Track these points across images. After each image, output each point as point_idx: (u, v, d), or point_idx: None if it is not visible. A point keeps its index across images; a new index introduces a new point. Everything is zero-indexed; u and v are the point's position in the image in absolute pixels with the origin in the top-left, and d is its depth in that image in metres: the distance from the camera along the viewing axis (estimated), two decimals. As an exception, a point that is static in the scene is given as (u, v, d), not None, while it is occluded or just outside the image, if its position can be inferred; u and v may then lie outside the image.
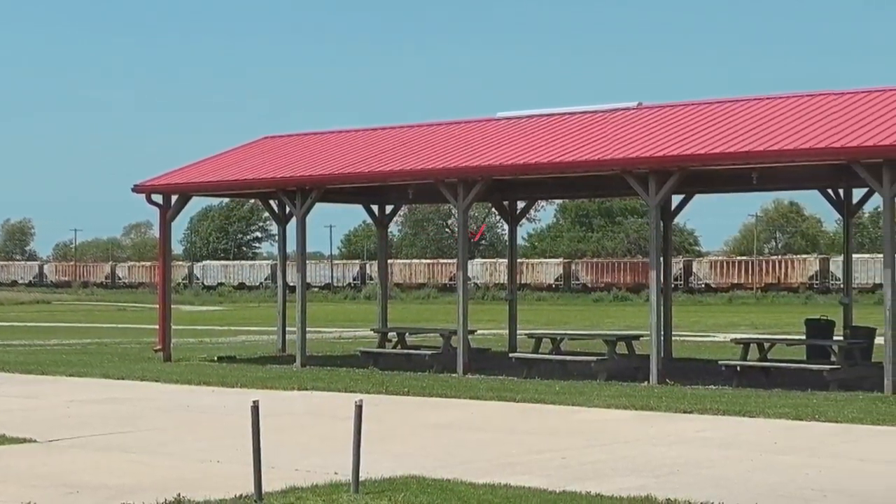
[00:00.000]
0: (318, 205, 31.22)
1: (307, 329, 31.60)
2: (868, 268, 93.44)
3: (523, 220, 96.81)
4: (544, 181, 31.56)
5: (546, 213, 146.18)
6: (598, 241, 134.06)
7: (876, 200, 27.84)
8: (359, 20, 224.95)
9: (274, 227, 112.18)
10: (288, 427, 19.14)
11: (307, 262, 34.77)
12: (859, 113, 25.29)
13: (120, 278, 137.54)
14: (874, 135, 23.52)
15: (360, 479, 13.15)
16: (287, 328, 34.68)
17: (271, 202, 35.13)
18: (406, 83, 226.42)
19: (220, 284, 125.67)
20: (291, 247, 33.65)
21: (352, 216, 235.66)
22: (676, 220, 36.43)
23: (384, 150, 31.15)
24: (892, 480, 14.07)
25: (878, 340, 26.27)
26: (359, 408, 13.28)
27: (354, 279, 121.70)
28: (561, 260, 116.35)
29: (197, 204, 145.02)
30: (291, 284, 38.12)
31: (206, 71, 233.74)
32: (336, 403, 22.13)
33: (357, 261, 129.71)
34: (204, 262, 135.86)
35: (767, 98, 28.39)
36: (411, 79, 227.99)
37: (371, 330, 37.56)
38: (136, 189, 32.80)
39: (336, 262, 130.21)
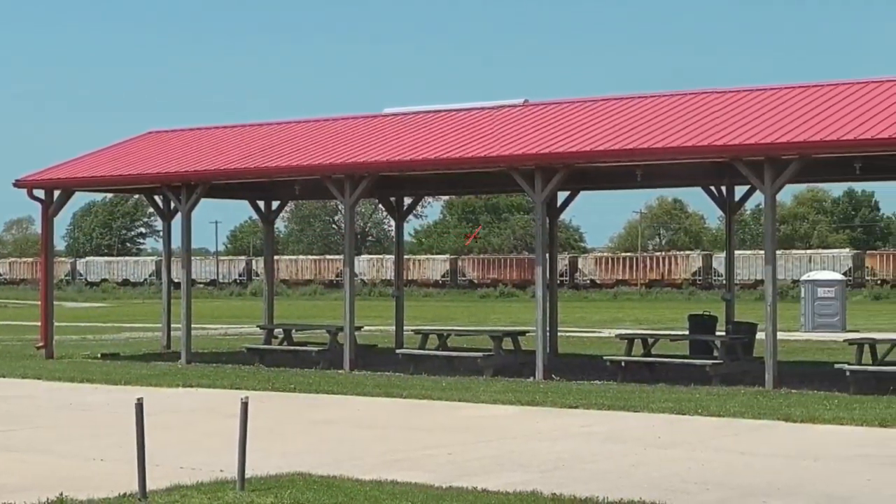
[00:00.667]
0: (203, 200, 30.98)
1: (192, 326, 31.36)
2: (750, 264, 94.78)
3: (410, 217, 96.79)
4: (431, 177, 31.61)
5: (433, 209, 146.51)
6: (485, 237, 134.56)
7: (758, 198, 28.24)
8: (245, 17, 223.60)
9: (159, 223, 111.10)
10: (173, 425, 18.98)
11: (192, 258, 34.51)
12: (742, 111, 25.64)
13: (1, 274, 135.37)
14: (756, 133, 23.86)
15: (246, 477, 13.08)
16: (172, 325, 34.38)
17: (156, 197, 34.79)
18: (292, 79, 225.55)
19: (104, 281, 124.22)
20: (176, 243, 33.35)
21: (238, 212, 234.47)
22: (562, 216, 36.71)
23: (270, 145, 30.98)
24: (772, 473, 14.29)
25: (760, 335, 26.67)
26: (244, 405, 13.20)
27: (240, 275, 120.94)
28: (447, 256, 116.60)
29: (80, 199, 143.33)
30: (176, 281, 37.80)
31: (90, 65, 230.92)
32: (222, 401, 21.98)
33: (243, 257, 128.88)
34: (87, 258, 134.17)
35: (652, 96, 28.67)
36: (298, 75, 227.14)
37: (257, 327, 37.38)
38: (18, 184, 32.31)
39: (222, 258, 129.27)
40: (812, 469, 14.66)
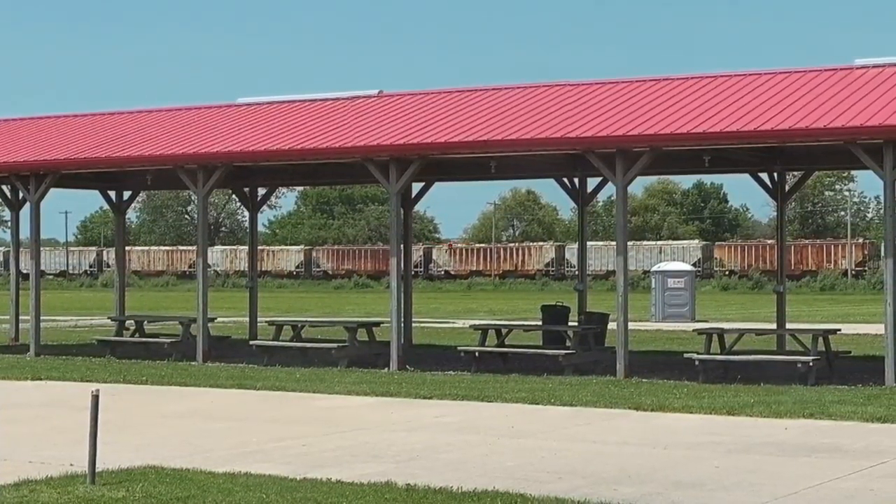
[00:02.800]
0: (53, 190, 30.46)
1: (41, 317, 30.84)
2: (602, 255, 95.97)
3: (264, 207, 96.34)
4: (285, 168, 31.46)
5: (287, 199, 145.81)
6: (339, 228, 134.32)
7: (609, 189, 28.60)
8: (96, 4, 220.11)
9: (6, 213, 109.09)
10: (22, 418, 18.67)
11: (42, 248, 33.92)
12: (594, 104, 25.93)
13: None
14: (608, 125, 24.14)
15: (98, 471, 12.91)
16: (21, 317, 33.75)
17: (3, 187, 34.07)
18: (145, 68, 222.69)
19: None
20: (25, 233, 32.75)
21: (88, 202, 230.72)
22: (417, 207, 36.77)
23: (122, 134, 30.57)
24: (623, 461, 14.48)
25: (611, 325, 27.00)
26: (95, 397, 13.03)
27: (91, 266, 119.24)
28: (302, 247, 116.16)
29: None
30: (25, 272, 37.13)
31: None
32: (72, 393, 21.65)
33: (94, 248, 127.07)
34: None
35: (507, 88, 28.85)
36: (150, 64, 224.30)
37: (108, 318, 36.88)
38: None
39: (72, 248, 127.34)
40: (662, 456, 14.89)
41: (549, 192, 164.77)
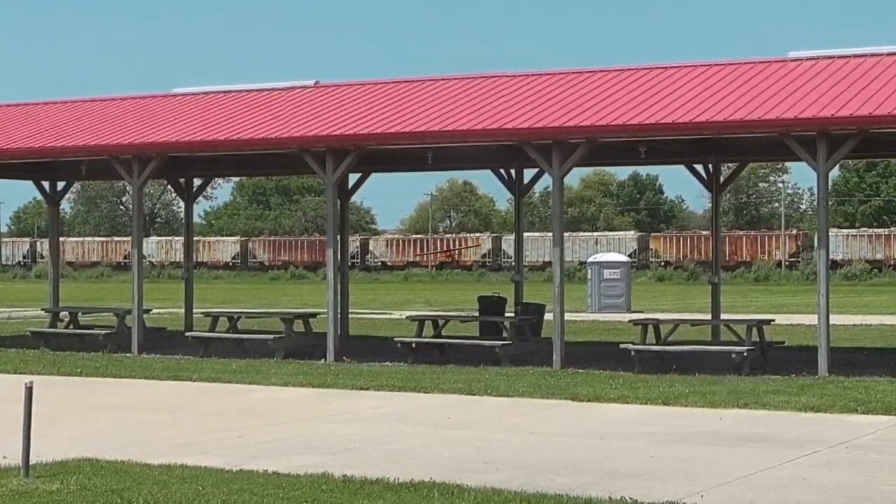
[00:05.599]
0: (-15, 181, 30.19)
1: (-26, 309, 30.54)
2: (538, 246, 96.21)
3: (200, 198, 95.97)
4: (221, 158, 31.30)
5: (223, 190, 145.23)
6: (276, 219, 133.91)
7: (546, 181, 28.70)
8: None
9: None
10: (-46, 411, 18.48)
11: (-26, 239, 33.57)
12: (531, 95, 25.99)
13: None
14: (544, 117, 24.21)
15: (32, 463, 12.81)
16: (-48, 308, 33.41)
17: (-65, 178, 33.74)
18: (80, 58, 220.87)
19: None
20: (-43, 224, 32.39)
21: (22, 192, 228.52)
22: (353, 198, 36.70)
23: (56, 124, 30.32)
24: (560, 452, 14.54)
25: (548, 316, 27.08)
26: (29, 389, 12.92)
27: (25, 257, 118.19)
28: (238, 238, 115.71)
29: None
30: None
31: None
32: (5, 386, 21.46)
33: (27, 238, 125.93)
34: None
35: (443, 79, 28.86)
36: (85, 53, 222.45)
37: (42, 310, 36.57)
38: None
39: (5, 239, 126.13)
40: (598, 447, 14.96)
41: (486, 183, 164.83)
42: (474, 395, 20.07)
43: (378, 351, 27.01)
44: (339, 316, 26.84)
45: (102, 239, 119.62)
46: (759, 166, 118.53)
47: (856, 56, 25.43)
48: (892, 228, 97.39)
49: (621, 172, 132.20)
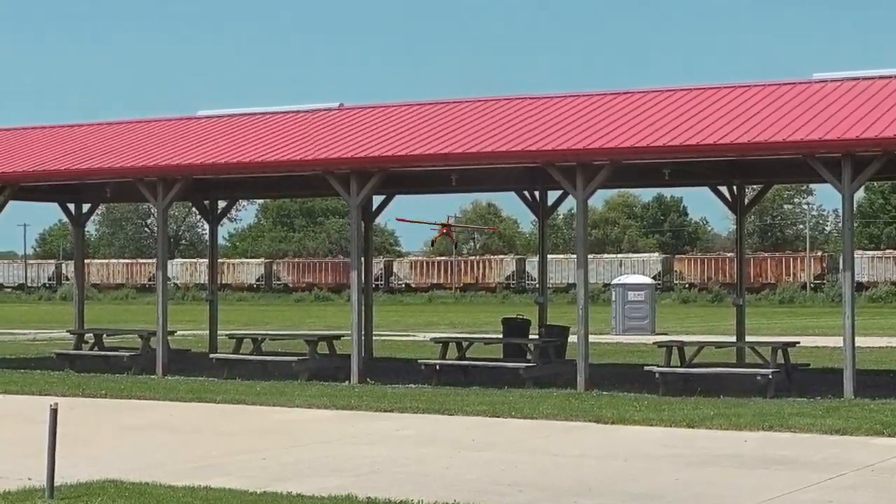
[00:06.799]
0: (11, 202, 30.30)
1: (-1, 331, 30.66)
2: (562, 268, 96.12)
3: (224, 220, 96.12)
4: (245, 180, 31.39)
5: (247, 212, 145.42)
6: (300, 241, 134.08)
7: (570, 202, 28.67)
8: (56, 16, 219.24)
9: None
10: (-21, 432, 18.53)
11: (0, 261, 33.66)
12: (554, 117, 25.99)
13: None
14: (568, 138, 24.21)
15: (56, 485, 12.83)
16: (-22, 330, 33.53)
17: (-39, 200, 33.86)
18: (105, 81, 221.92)
19: None
20: (-17, 246, 32.52)
21: (47, 214, 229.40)
22: (377, 220, 36.75)
23: (82, 147, 30.44)
24: (581, 473, 14.51)
25: (572, 338, 27.03)
26: (54, 411, 12.95)
27: (50, 279, 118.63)
28: (262, 260, 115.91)
29: None
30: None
31: None
32: (30, 407, 21.51)
33: (52, 260, 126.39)
34: None
35: (467, 101, 28.89)
36: (111, 76, 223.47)
37: (67, 331, 36.68)
38: None
39: (30, 261, 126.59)
40: (622, 469, 14.92)
41: (510, 204, 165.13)
42: (498, 416, 20.04)
43: (402, 373, 26.99)
44: (363, 338, 26.85)
45: (127, 261, 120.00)
46: (783, 188, 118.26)
47: (881, 77, 25.38)
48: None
49: (645, 194, 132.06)
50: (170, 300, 32.29)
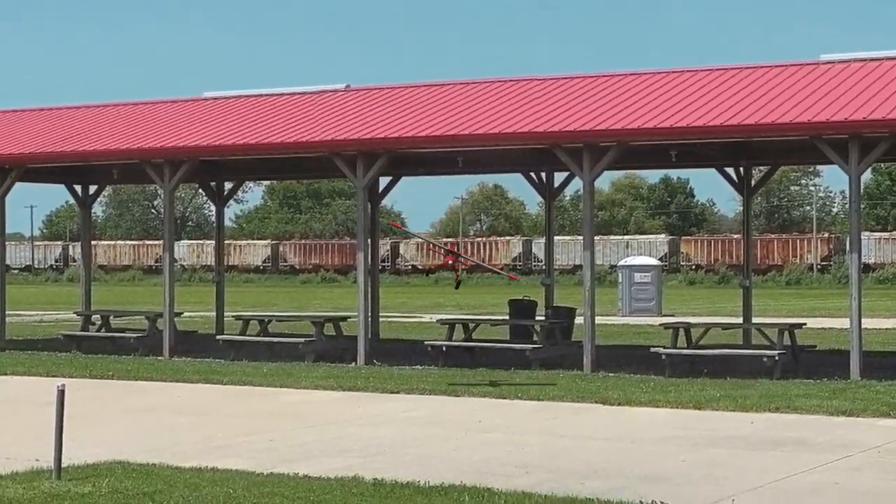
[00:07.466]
0: (18, 184, 30.32)
1: (7, 312, 30.71)
2: (569, 249, 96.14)
3: (231, 202, 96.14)
4: (252, 162, 31.39)
5: (254, 194, 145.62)
6: (307, 222, 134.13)
7: (576, 184, 28.66)
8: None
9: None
10: (-14, 413, 18.57)
11: (7, 243, 33.76)
12: (561, 98, 25.96)
13: None
14: (574, 120, 24.18)
15: (63, 466, 12.86)
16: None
17: (-32, 181, 33.87)
18: (112, 62, 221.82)
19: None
20: (-10, 228, 32.52)
21: (54, 196, 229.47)
22: (384, 201, 36.75)
23: (88, 128, 30.45)
24: (590, 455, 14.52)
25: (578, 320, 27.05)
26: (61, 392, 12.97)
27: (57, 261, 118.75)
28: (269, 241, 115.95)
29: None
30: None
31: None
32: (37, 388, 21.56)
33: (59, 242, 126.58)
34: None
35: (473, 82, 28.86)
36: (117, 58, 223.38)
37: (74, 313, 36.72)
38: None
39: (37, 243, 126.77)
40: (629, 451, 14.93)
41: (517, 186, 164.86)
42: (505, 398, 20.06)
43: (409, 354, 27.01)
44: (369, 319, 26.86)
45: (134, 242, 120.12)
46: (790, 169, 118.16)
47: (888, 59, 25.32)
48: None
49: (652, 176, 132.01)
50: (176, 282, 32.33)
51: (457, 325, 27.13)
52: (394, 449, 15.08)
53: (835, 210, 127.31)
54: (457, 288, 19.87)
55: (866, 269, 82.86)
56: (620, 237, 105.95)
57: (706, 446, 15.23)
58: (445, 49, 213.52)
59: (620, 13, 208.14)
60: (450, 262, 20.30)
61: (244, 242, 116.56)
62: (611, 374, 23.11)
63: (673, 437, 15.98)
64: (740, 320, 29.77)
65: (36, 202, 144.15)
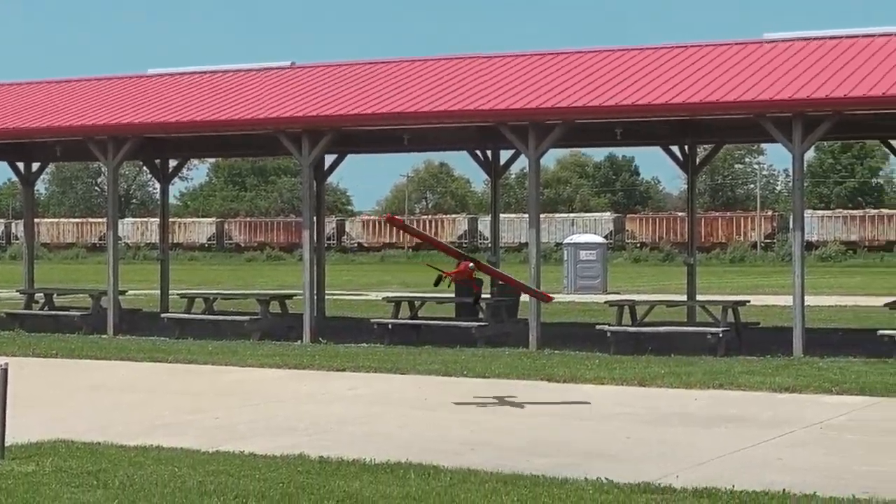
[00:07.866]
0: (-41, 162, 30.06)
1: (-52, 291, 30.43)
2: (514, 227, 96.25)
3: (175, 179, 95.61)
4: (197, 140, 31.20)
5: (199, 171, 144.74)
6: (252, 200, 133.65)
7: (522, 162, 28.67)
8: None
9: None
10: (-72, 393, 18.40)
11: (-52, 221, 33.42)
12: (507, 76, 25.97)
13: None
14: (520, 98, 24.21)
15: (7, 445, 12.78)
16: (-73, 290, 33.27)
17: None
18: (54, 38, 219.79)
19: None
20: (-69, 205, 32.23)
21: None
22: (329, 179, 36.66)
23: (31, 105, 30.19)
24: (536, 433, 14.57)
25: (524, 298, 27.10)
26: (3, 371, 12.89)
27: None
28: (214, 219, 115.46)
29: None
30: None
31: None
32: (-20, 367, 21.38)
33: (1, 220, 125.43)
34: None
35: (420, 60, 28.82)
36: (60, 34, 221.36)
37: (17, 291, 36.45)
38: None
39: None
40: (575, 428, 15.00)
41: (462, 164, 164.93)
42: (450, 376, 20.10)
43: (354, 332, 27.00)
44: (315, 297, 26.83)
45: (77, 220, 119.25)
46: (734, 148, 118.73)
47: (831, 38, 25.48)
48: (867, 210, 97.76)
49: (597, 154, 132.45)
50: (121, 259, 32.15)
51: (403, 302, 27.14)
52: (341, 427, 15.08)
53: (778, 188, 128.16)
54: (436, 285, 19.13)
55: (809, 246, 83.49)
56: (566, 215, 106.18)
57: (651, 423, 15.33)
58: (393, 28, 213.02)
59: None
60: (470, 266, 17.90)
61: (189, 220, 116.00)
62: (556, 352, 23.20)
63: (618, 413, 16.06)
64: (685, 298, 29.94)
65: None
